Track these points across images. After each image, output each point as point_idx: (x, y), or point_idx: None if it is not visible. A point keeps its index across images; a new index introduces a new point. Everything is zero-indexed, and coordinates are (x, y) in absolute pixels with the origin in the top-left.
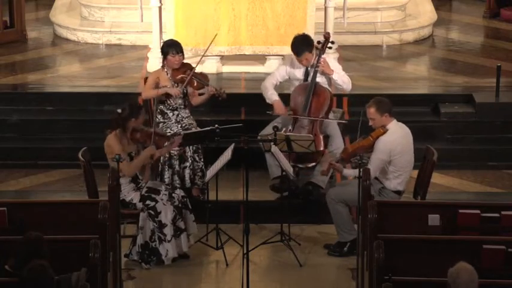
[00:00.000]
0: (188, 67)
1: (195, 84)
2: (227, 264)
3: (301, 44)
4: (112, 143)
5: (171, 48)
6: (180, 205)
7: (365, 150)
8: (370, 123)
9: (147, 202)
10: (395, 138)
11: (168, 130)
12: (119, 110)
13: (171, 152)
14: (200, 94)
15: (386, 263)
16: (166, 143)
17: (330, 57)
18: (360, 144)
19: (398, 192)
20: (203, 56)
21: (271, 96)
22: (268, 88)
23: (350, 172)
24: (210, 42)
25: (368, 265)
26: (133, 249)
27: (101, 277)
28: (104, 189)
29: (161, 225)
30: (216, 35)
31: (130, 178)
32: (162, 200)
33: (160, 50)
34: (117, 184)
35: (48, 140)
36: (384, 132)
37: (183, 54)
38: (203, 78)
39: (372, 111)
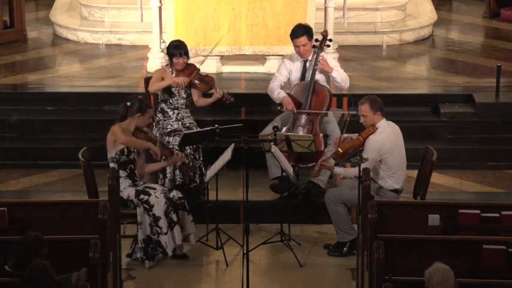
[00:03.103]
0: (193, 68)
1: (201, 87)
2: (227, 264)
3: (299, 28)
4: (116, 131)
5: (176, 50)
6: (174, 201)
7: (355, 149)
8: (362, 120)
9: (141, 196)
10: (384, 136)
11: (169, 126)
12: (128, 103)
13: (173, 146)
14: (205, 96)
15: (386, 263)
16: (169, 157)
17: (328, 55)
18: (350, 144)
19: (396, 191)
20: (207, 56)
21: (279, 94)
22: (274, 89)
23: (340, 170)
24: (213, 44)
25: (368, 265)
26: (136, 248)
27: (101, 277)
28: (104, 189)
29: (156, 219)
30: (220, 40)
31: (126, 173)
32: (155, 193)
33: (166, 50)
34: (117, 184)
35: (48, 140)
36: (374, 131)
37: (187, 56)
38: (209, 80)
39: (365, 108)
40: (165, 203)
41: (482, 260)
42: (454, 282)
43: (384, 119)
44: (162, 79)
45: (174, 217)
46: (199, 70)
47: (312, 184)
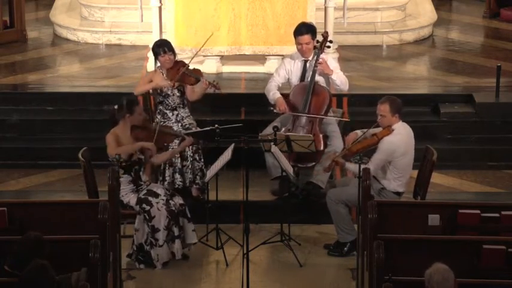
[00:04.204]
0: (182, 64)
1: (189, 80)
2: (227, 264)
3: (304, 26)
4: (109, 140)
5: (159, 48)
6: (176, 211)
7: (369, 148)
8: (379, 119)
9: (143, 205)
10: (399, 138)
11: None
12: (116, 107)
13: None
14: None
15: (386, 263)
16: (173, 143)
17: (329, 56)
18: (364, 144)
19: (398, 194)
20: (196, 54)
21: (274, 95)
22: (270, 89)
23: (352, 166)
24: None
25: (368, 265)
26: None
27: (101, 277)
28: (104, 189)
29: (154, 230)
30: (211, 34)
31: (130, 178)
32: (157, 203)
33: (152, 51)
34: (117, 184)
35: (48, 140)
36: (390, 133)
37: (173, 53)
38: (196, 73)
39: (384, 108)
40: (167, 217)
41: (482, 260)
42: (454, 282)
43: (401, 121)
44: (151, 81)
45: (176, 231)
46: (188, 66)
47: (312, 185)
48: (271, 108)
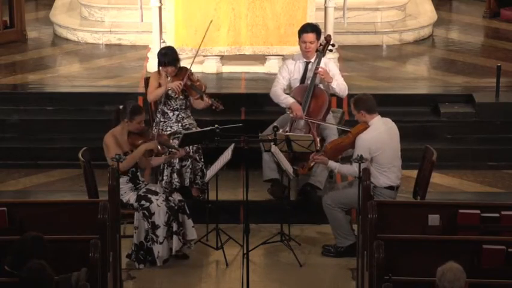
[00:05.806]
0: (184, 72)
1: (193, 93)
2: (227, 265)
3: (310, 25)
4: (108, 142)
5: (162, 58)
6: (176, 207)
7: (345, 147)
8: (355, 118)
9: (142, 202)
10: (375, 135)
11: (169, 128)
12: (121, 107)
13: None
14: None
15: (386, 263)
16: (168, 151)
17: (331, 61)
18: (340, 141)
19: (391, 188)
20: (199, 49)
21: (286, 100)
22: (279, 94)
23: (335, 165)
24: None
25: (368, 265)
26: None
27: (101, 277)
28: (104, 189)
29: (154, 227)
30: (211, 21)
31: (128, 178)
32: (157, 200)
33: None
34: (117, 184)
35: (48, 140)
36: (365, 129)
37: (174, 65)
38: (199, 88)
39: (351, 107)
40: (166, 212)
41: (482, 260)
42: (465, 283)
43: (378, 116)
44: (159, 84)
45: (175, 226)
46: (191, 73)
47: (310, 186)
48: (288, 112)
